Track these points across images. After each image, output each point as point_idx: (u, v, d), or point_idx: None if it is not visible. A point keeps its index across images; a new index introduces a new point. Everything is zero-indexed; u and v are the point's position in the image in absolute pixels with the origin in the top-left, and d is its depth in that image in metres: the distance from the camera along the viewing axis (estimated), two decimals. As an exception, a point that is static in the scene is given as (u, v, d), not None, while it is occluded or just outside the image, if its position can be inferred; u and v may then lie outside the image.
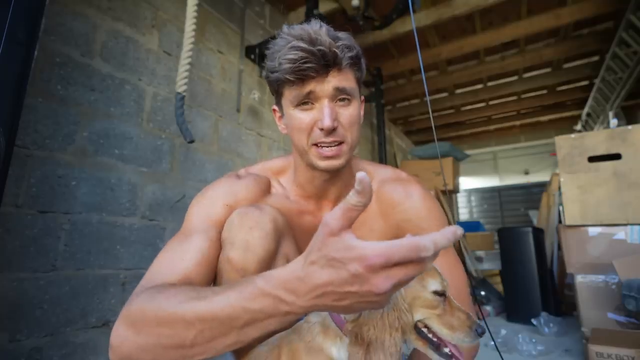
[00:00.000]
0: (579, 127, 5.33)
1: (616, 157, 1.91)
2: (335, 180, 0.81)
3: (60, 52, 1.51)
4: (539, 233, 2.82)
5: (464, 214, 8.30)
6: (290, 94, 0.72)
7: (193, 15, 1.56)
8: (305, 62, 0.66)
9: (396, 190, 0.84)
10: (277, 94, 0.77)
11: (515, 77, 4.68)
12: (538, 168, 8.13)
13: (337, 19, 3.00)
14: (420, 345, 0.57)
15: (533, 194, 7.22)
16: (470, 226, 5.30)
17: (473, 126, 6.51)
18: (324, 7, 2.82)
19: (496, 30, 3.51)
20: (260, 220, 0.69)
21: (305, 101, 0.71)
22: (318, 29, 0.68)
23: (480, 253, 3.88)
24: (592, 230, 1.94)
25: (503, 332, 2.05)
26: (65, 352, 1.42)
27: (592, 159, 1.98)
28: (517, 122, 6.39)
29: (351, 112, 0.73)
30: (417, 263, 0.38)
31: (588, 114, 4.84)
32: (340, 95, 0.71)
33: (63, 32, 1.53)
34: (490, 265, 3.76)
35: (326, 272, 0.40)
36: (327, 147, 0.72)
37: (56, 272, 1.43)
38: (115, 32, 1.74)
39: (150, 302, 0.53)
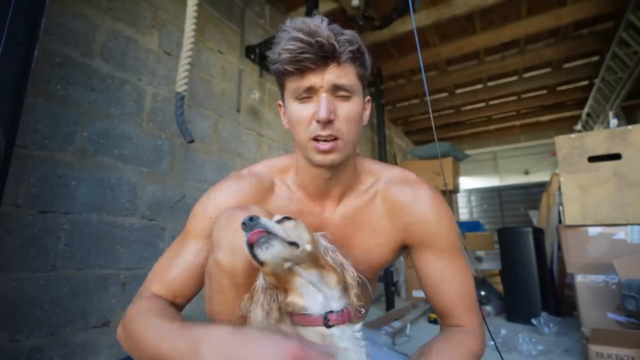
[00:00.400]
0: (579, 127, 5.33)
1: (616, 157, 1.91)
2: (338, 179, 0.81)
3: (60, 52, 1.51)
4: (539, 233, 2.82)
5: (464, 214, 8.30)
6: (290, 87, 0.72)
7: (193, 15, 1.56)
8: (302, 53, 0.67)
9: (404, 192, 0.82)
10: (281, 87, 0.77)
11: (515, 77, 4.68)
12: (538, 168, 8.13)
13: (337, 19, 2.99)
14: None
15: (533, 194, 7.22)
16: (470, 226, 5.30)
17: (473, 126, 6.51)
18: (324, 7, 2.82)
19: (496, 30, 3.51)
20: None
21: (305, 95, 0.71)
22: (319, 23, 0.69)
23: (480, 253, 3.89)
24: (592, 230, 1.94)
25: (503, 332, 2.05)
26: (65, 352, 1.42)
27: (592, 159, 1.98)
28: (517, 122, 6.39)
29: (350, 108, 0.72)
30: None
31: (588, 114, 4.84)
32: (339, 91, 0.71)
33: (63, 32, 1.53)
34: (490, 265, 3.76)
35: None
36: (324, 140, 0.71)
37: (56, 272, 1.43)
38: (115, 32, 1.74)
39: (137, 317, 0.66)
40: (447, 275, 0.80)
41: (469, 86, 4.94)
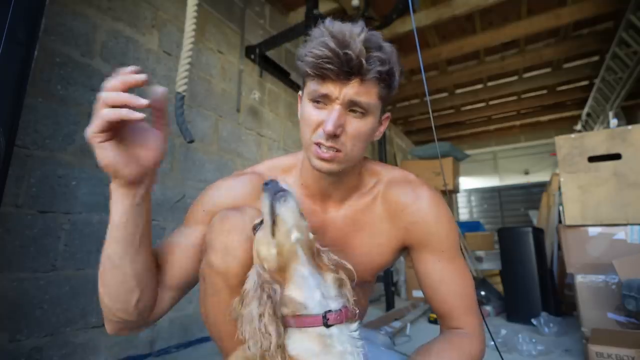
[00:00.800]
0: (579, 127, 5.34)
1: (616, 157, 1.91)
2: (340, 182, 0.80)
3: (60, 52, 1.51)
4: (539, 233, 2.82)
5: (464, 214, 8.30)
6: (309, 87, 0.71)
7: (193, 15, 1.56)
8: (327, 62, 0.64)
9: (404, 192, 0.82)
10: (303, 83, 0.76)
11: (515, 77, 4.68)
12: (538, 168, 8.14)
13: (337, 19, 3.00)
14: None
15: (533, 194, 7.23)
16: (470, 226, 5.30)
17: (473, 126, 6.51)
18: (324, 7, 2.82)
19: (496, 30, 3.51)
20: (240, 223, 0.68)
21: (320, 100, 0.70)
22: (357, 33, 0.65)
23: (480, 253, 3.89)
24: (592, 230, 1.94)
25: (503, 332, 2.05)
26: (65, 352, 1.42)
27: (592, 159, 1.98)
28: (517, 122, 6.40)
29: (360, 126, 0.70)
30: None
31: (588, 114, 4.84)
32: (354, 107, 0.69)
33: (63, 32, 1.53)
34: (490, 265, 3.76)
35: None
36: (326, 148, 0.70)
37: (56, 272, 1.43)
38: (115, 32, 1.74)
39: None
40: (447, 277, 0.80)
41: (469, 86, 4.94)
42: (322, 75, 0.67)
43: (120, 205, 0.64)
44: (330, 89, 0.67)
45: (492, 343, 1.09)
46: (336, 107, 0.68)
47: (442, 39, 3.73)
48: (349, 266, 0.67)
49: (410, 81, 4.65)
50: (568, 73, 4.46)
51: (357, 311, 0.64)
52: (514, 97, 5.30)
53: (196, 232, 0.78)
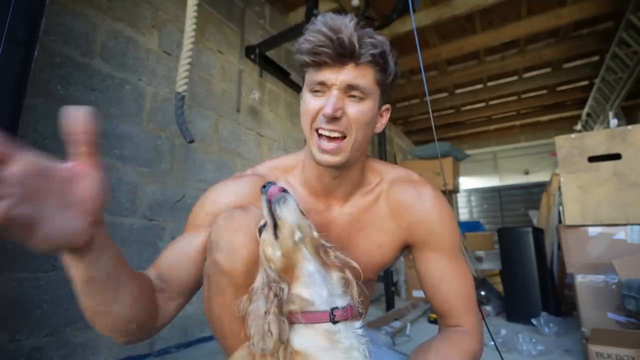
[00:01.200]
0: (579, 127, 5.34)
1: (616, 157, 1.91)
2: (344, 178, 0.80)
3: (60, 52, 1.51)
4: (539, 233, 2.82)
5: (464, 214, 8.31)
6: (308, 78, 0.73)
7: (193, 15, 1.56)
8: (321, 46, 0.67)
9: (407, 192, 0.83)
10: (303, 80, 0.78)
11: (515, 77, 4.68)
12: (538, 168, 8.14)
13: (337, 19, 3.00)
14: None
15: (533, 194, 7.23)
16: (470, 226, 5.30)
17: (473, 126, 6.51)
18: (324, 7, 2.82)
19: (496, 30, 3.51)
20: (245, 222, 0.68)
21: (317, 89, 0.72)
22: (347, 21, 0.69)
23: (480, 253, 3.88)
24: (592, 230, 1.94)
25: (503, 332, 2.05)
26: (65, 352, 1.42)
27: (592, 159, 1.98)
28: (517, 122, 6.40)
29: (361, 109, 0.71)
30: None
31: (588, 114, 4.84)
32: (352, 91, 0.70)
33: (63, 32, 1.53)
34: (490, 265, 3.76)
35: None
36: (327, 140, 0.71)
37: (56, 272, 1.43)
38: (115, 32, 1.74)
39: None
40: (448, 275, 0.80)
41: (469, 86, 4.94)
42: (318, 62, 0.69)
43: (76, 270, 0.53)
44: (327, 75, 0.69)
45: (492, 343, 1.09)
46: (334, 92, 0.70)
47: (442, 39, 3.73)
48: (355, 265, 0.67)
49: (410, 81, 4.65)
50: (568, 73, 4.46)
51: (362, 311, 0.65)
52: (514, 97, 5.30)
53: (201, 237, 0.77)
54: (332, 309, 0.60)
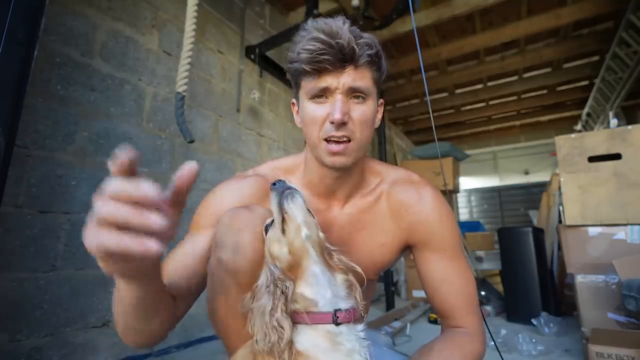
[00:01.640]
0: (579, 127, 5.34)
1: (616, 157, 1.91)
2: (345, 179, 0.81)
3: (60, 52, 1.51)
4: (539, 233, 2.82)
5: (464, 214, 8.31)
6: (306, 86, 0.72)
7: (193, 15, 1.56)
8: (322, 54, 0.67)
9: (408, 193, 0.83)
10: (296, 86, 0.77)
11: (515, 77, 4.68)
12: (538, 168, 8.14)
13: (337, 19, 3.00)
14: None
15: (533, 194, 7.23)
16: (470, 226, 5.30)
17: (473, 126, 6.51)
18: (324, 7, 2.82)
19: (496, 30, 3.51)
20: (250, 221, 0.68)
21: (320, 94, 0.71)
22: (341, 25, 0.69)
23: (480, 253, 3.88)
24: (592, 230, 1.93)
25: (503, 332, 2.04)
26: (65, 352, 1.42)
27: (592, 159, 1.98)
28: (517, 122, 6.40)
29: (364, 110, 0.72)
30: None
31: (588, 114, 4.84)
32: (355, 94, 0.71)
33: (63, 32, 1.53)
34: (490, 265, 3.76)
35: None
36: (336, 142, 0.71)
37: (56, 272, 1.43)
38: (115, 32, 1.74)
39: None
40: (449, 276, 0.80)
41: (469, 86, 4.94)
42: (318, 70, 0.69)
43: (129, 292, 0.57)
44: (328, 81, 0.70)
45: (492, 343, 1.09)
46: (338, 97, 0.70)
47: (442, 39, 3.73)
48: (359, 269, 0.67)
49: (410, 81, 4.65)
50: (568, 73, 4.46)
51: (364, 314, 0.65)
52: (514, 97, 5.30)
53: (206, 237, 0.77)
54: (335, 311, 0.60)
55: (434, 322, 2.64)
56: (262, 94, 2.76)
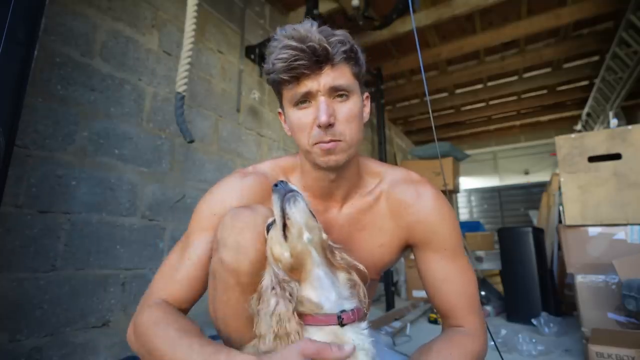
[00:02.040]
0: (579, 127, 5.34)
1: (616, 157, 1.91)
2: (342, 180, 0.81)
3: (60, 52, 1.51)
4: (539, 233, 2.82)
5: (464, 214, 8.30)
6: (288, 94, 0.72)
7: (193, 15, 1.56)
8: (296, 60, 0.67)
9: (407, 192, 0.83)
10: (279, 95, 0.77)
11: (515, 77, 4.68)
12: (538, 168, 8.14)
13: (337, 19, 3.00)
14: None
15: (533, 194, 7.22)
16: (470, 226, 5.30)
17: (473, 126, 6.51)
18: (323, 7, 2.82)
19: (496, 30, 3.51)
20: (252, 221, 0.68)
21: (303, 100, 0.71)
22: (309, 27, 0.68)
23: (480, 253, 3.88)
24: (592, 230, 1.94)
25: (503, 332, 2.05)
26: (65, 352, 1.42)
27: (592, 159, 1.98)
28: (517, 122, 6.39)
29: (349, 107, 0.72)
30: None
31: (588, 114, 4.84)
32: (337, 92, 0.71)
33: (63, 32, 1.53)
34: (490, 265, 3.76)
35: None
36: (325, 142, 0.71)
37: (56, 272, 1.43)
38: (115, 32, 1.74)
39: (154, 328, 0.67)
40: (449, 275, 0.80)
41: (469, 86, 4.94)
42: (296, 76, 0.69)
43: None
44: (308, 85, 0.69)
45: (492, 343, 1.09)
46: (321, 99, 0.70)
47: (442, 39, 3.73)
48: (362, 267, 0.68)
49: (410, 81, 4.65)
50: (568, 73, 4.46)
51: (367, 312, 0.66)
52: (514, 97, 5.30)
53: (211, 240, 0.77)
54: (340, 312, 0.61)
55: (434, 322, 2.64)
56: (262, 94, 2.76)
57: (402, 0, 2.69)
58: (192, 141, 1.66)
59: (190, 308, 0.79)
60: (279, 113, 0.83)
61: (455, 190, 4.67)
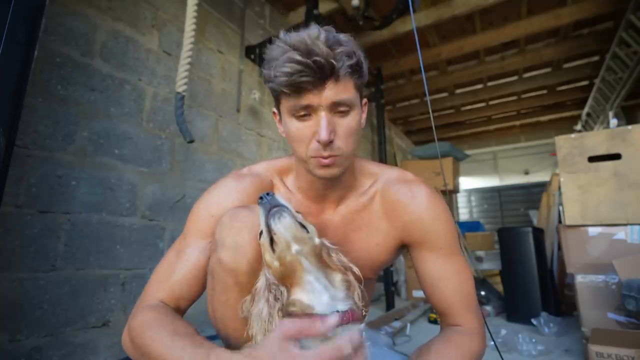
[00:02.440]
0: (579, 127, 5.34)
1: (616, 157, 1.91)
2: (336, 184, 0.81)
3: (60, 52, 1.51)
4: (539, 233, 2.82)
5: (464, 214, 8.30)
6: (287, 103, 0.70)
7: (193, 15, 1.56)
8: (301, 76, 0.64)
9: (402, 191, 0.83)
10: (276, 100, 0.76)
11: (515, 77, 4.68)
12: (538, 168, 8.14)
13: (337, 19, 3.00)
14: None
15: (533, 194, 7.22)
16: (470, 226, 5.30)
17: (473, 126, 6.51)
18: (323, 7, 2.82)
19: (496, 30, 3.51)
20: (251, 221, 0.68)
21: (303, 113, 0.69)
22: (316, 37, 0.65)
23: (480, 253, 3.88)
24: (592, 230, 1.93)
25: (503, 332, 2.04)
26: (65, 352, 1.42)
27: (592, 159, 1.98)
28: (517, 122, 6.39)
29: (349, 123, 0.71)
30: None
31: (588, 114, 4.84)
32: (338, 107, 0.69)
33: (63, 32, 1.53)
34: (490, 265, 3.76)
35: None
36: (323, 157, 0.71)
37: (56, 272, 1.43)
38: (115, 32, 1.74)
39: (147, 330, 0.65)
40: (445, 274, 0.80)
41: (469, 86, 4.94)
42: (297, 90, 0.66)
43: None
44: (310, 98, 0.67)
45: (492, 343, 1.09)
46: (322, 114, 0.68)
47: (442, 39, 3.73)
48: (356, 270, 0.67)
49: (410, 81, 4.65)
50: (568, 73, 4.46)
51: (364, 312, 0.65)
52: (514, 97, 5.30)
53: (206, 248, 0.77)
54: (333, 313, 0.60)
55: (434, 322, 2.64)
56: (262, 94, 2.76)
57: (402, 0, 2.69)
58: (192, 141, 1.66)
59: (187, 308, 0.79)
60: (274, 113, 0.82)
61: (455, 190, 4.67)
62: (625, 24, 3.07)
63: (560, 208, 2.87)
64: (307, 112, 0.69)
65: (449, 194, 5.03)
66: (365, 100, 0.82)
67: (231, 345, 0.72)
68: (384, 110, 4.31)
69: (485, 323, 0.87)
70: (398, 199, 0.82)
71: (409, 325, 2.41)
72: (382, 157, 3.83)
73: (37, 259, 1.38)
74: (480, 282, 3.19)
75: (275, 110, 0.81)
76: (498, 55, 4.16)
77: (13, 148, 0.96)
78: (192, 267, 0.76)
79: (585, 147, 2.00)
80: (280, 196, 0.68)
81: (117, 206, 1.66)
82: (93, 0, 1.66)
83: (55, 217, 1.44)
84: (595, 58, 4.16)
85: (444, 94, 5.17)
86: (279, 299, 0.60)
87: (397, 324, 2.37)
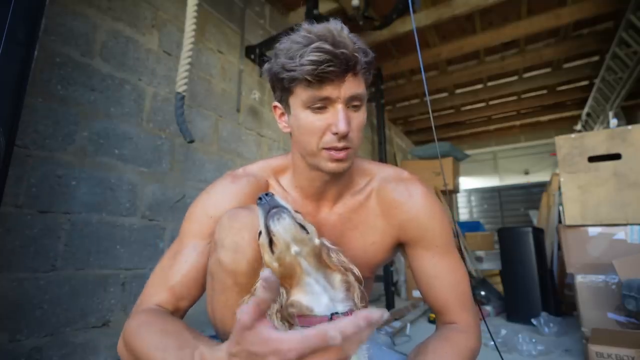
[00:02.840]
0: (579, 127, 5.34)
1: (616, 157, 1.91)
2: (335, 181, 0.81)
3: (60, 52, 1.51)
4: (539, 233, 2.82)
5: (464, 214, 8.30)
6: (303, 94, 0.69)
7: (193, 15, 1.56)
8: (329, 65, 0.64)
9: (398, 190, 0.83)
10: (285, 92, 0.73)
11: (515, 77, 4.68)
12: (538, 168, 8.13)
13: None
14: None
15: (533, 194, 7.22)
16: (470, 226, 5.30)
17: (473, 126, 6.51)
18: (323, 7, 2.82)
19: (496, 30, 3.51)
20: (250, 221, 0.68)
21: (319, 105, 0.69)
22: (341, 30, 0.67)
23: (480, 253, 3.88)
24: (592, 230, 1.94)
25: (503, 332, 2.05)
26: (65, 352, 1.42)
27: (592, 159, 1.98)
28: (517, 122, 6.39)
29: (361, 117, 0.73)
30: (331, 349, 0.39)
31: (588, 114, 4.84)
32: (353, 102, 0.71)
33: (63, 32, 1.53)
34: (490, 265, 3.76)
35: None
36: (337, 150, 0.71)
37: (56, 272, 1.43)
38: (115, 32, 1.74)
39: (138, 332, 0.63)
40: (441, 272, 0.81)
41: (469, 86, 4.94)
42: (321, 80, 0.66)
43: None
44: (329, 90, 0.68)
45: (492, 343, 1.09)
46: (339, 107, 0.69)
47: (442, 39, 3.73)
48: (357, 271, 0.67)
49: (410, 81, 4.65)
50: (568, 73, 4.46)
51: None
52: (514, 97, 5.30)
53: (203, 249, 0.77)
54: (332, 314, 0.60)
55: (433, 322, 2.63)
56: (262, 94, 2.76)
57: (402, 0, 2.69)
58: (192, 141, 1.66)
59: (188, 308, 0.79)
60: (275, 107, 0.81)
61: (455, 190, 4.67)
62: (625, 24, 3.07)
63: (560, 208, 2.87)
64: (323, 104, 0.69)
65: (449, 194, 5.02)
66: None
67: None
68: (384, 110, 4.31)
69: (486, 323, 0.87)
70: (394, 197, 0.83)
71: (408, 325, 2.41)
72: (382, 157, 3.83)
73: (37, 259, 1.38)
74: (480, 282, 3.19)
75: (276, 104, 0.80)
76: (498, 55, 4.16)
77: (13, 148, 0.96)
78: (191, 267, 0.75)
79: (585, 147, 2.00)
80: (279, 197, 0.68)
81: (117, 206, 1.66)
82: (93, 0, 1.66)
83: (55, 217, 1.44)
84: (595, 58, 4.16)
85: (444, 94, 5.17)
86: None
87: (397, 324, 2.37)
